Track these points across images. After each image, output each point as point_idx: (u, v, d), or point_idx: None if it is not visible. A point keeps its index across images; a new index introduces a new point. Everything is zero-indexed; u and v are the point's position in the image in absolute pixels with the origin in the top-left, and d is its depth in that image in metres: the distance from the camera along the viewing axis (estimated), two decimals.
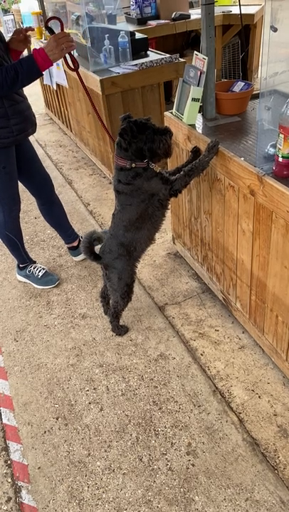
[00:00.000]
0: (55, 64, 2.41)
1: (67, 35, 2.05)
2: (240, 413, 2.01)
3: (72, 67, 2.29)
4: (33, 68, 2.04)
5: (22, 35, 2.27)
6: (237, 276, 2.23)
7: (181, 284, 2.76)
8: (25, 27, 2.32)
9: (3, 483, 1.89)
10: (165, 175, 2.06)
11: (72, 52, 2.17)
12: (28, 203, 3.59)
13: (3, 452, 2.01)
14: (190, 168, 2.03)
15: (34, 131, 2.51)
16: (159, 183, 2.03)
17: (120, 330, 2.47)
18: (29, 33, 2.35)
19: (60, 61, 3.97)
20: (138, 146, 1.94)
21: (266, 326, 2.10)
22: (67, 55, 2.19)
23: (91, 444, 1.97)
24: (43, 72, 2.09)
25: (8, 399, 2.22)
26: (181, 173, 2.04)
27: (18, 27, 8.23)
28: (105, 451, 1.94)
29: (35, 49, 2.04)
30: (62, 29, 2.13)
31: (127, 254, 2.20)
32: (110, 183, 3.97)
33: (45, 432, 2.05)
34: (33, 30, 2.41)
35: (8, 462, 1.96)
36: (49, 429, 2.06)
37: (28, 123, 2.39)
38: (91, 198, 3.82)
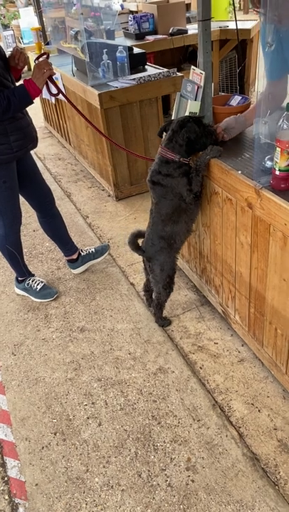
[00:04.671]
0: (54, 77, 2.47)
1: (47, 61, 2.27)
2: (240, 427, 1.99)
3: (54, 92, 2.42)
4: (25, 97, 2.21)
5: (17, 59, 2.33)
6: (236, 289, 2.22)
7: (180, 296, 2.75)
8: (20, 50, 2.38)
9: (0, 501, 1.86)
10: (192, 176, 2.14)
11: (53, 78, 2.35)
12: (26, 216, 3.59)
13: (0, 469, 1.98)
14: (195, 169, 2.10)
15: (35, 146, 2.53)
16: (186, 185, 2.11)
17: (164, 322, 2.55)
18: (25, 50, 2.40)
19: (59, 76, 4.02)
20: (196, 140, 2.07)
21: (265, 339, 2.09)
22: (50, 83, 2.35)
23: (89, 459, 1.95)
24: (33, 101, 2.25)
25: (6, 414, 2.20)
26: (192, 174, 2.12)
27: (18, 42, 8.34)
28: (104, 466, 1.92)
29: (25, 80, 2.23)
30: (47, 58, 2.32)
31: (168, 246, 2.30)
32: (109, 195, 3.98)
33: (42, 447, 2.02)
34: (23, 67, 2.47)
35: (5, 479, 1.94)
36: (47, 444, 2.03)
37: (28, 139, 2.41)
38: (90, 210, 3.83)
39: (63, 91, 4.05)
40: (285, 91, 1.96)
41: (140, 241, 2.40)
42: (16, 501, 1.85)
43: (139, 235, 2.38)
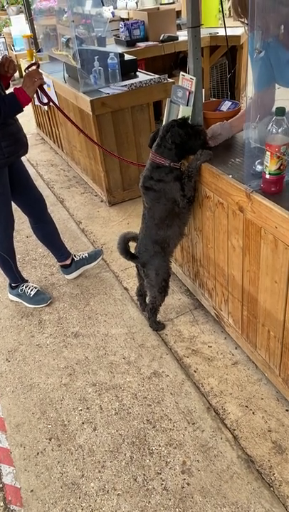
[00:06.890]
0: (45, 86, 2.49)
1: (38, 71, 2.31)
2: (234, 430, 2.00)
3: (44, 102, 2.48)
4: (15, 105, 2.24)
5: (6, 67, 2.36)
6: (229, 292, 2.24)
7: (173, 300, 2.76)
8: (9, 58, 2.40)
9: None
10: (185, 181, 2.15)
11: (44, 86, 2.38)
12: (19, 222, 3.58)
13: None
14: (187, 175, 2.12)
15: (26, 152, 2.54)
16: (179, 190, 2.13)
17: (158, 326, 2.57)
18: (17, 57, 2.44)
19: (51, 83, 4.04)
20: (185, 143, 2.09)
21: (258, 341, 2.10)
22: (40, 93, 2.40)
23: (85, 464, 1.95)
24: (23, 108, 2.28)
25: (0, 420, 2.19)
26: (184, 180, 2.13)
27: (10, 49, 8.36)
28: (99, 471, 1.91)
29: (15, 88, 2.26)
30: (37, 68, 2.37)
31: (162, 250, 2.33)
32: (102, 201, 3.99)
33: (38, 453, 2.02)
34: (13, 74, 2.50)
35: (0, 485, 1.93)
36: (42, 450, 2.03)
37: (19, 145, 2.43)
38: (83, 216, 3.84)
39: (55, 99, 4.08)
40: (272, 99, 1.99)
41: (131, 246, 2.41)
42: (12, 508, 1.84)
43: (130, 238, 2.38)
